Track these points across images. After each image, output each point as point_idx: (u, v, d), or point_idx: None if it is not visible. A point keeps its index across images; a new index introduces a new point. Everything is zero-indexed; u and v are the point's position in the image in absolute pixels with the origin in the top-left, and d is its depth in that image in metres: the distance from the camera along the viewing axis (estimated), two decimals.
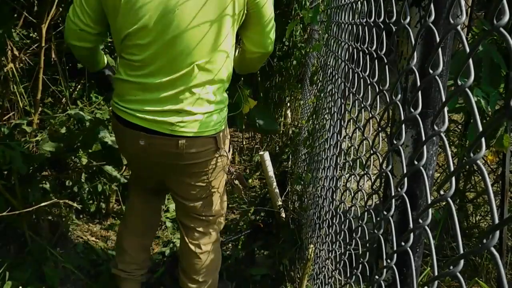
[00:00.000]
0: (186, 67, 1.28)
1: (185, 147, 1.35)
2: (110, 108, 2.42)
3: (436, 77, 0.55)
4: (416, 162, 0.59)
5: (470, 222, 2.21)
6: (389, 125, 0.75)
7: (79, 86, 2.64)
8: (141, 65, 1.30)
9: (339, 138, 1.34)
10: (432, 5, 0.57)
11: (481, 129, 0.42)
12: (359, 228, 0.91)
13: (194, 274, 1.57)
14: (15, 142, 1.79)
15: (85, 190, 2.21)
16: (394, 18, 0.71)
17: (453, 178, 0.48)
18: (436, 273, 0.51)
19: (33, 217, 1.95)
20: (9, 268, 1.77)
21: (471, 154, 0.43)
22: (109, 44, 2.66)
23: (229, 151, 1.55)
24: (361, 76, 0.98)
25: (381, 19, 0.80)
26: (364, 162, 0.92)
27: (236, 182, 1.53)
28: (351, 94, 1.10)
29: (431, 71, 0.55)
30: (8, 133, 1.84)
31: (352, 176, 1.05)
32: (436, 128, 0.53)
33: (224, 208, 1.66)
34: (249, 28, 1.40)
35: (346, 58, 1.24)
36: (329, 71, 1.64)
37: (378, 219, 0.73)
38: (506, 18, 0.40)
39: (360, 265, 0.86)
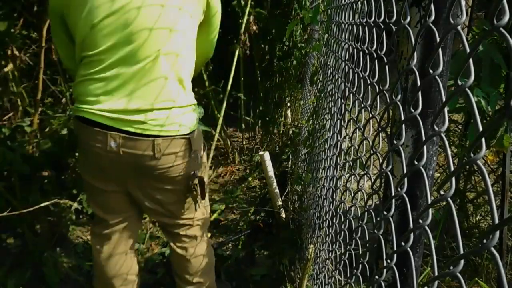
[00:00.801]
0: (148, 57, 1.21)
1: (161, 148, 1.26)
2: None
3: (436, 77, 0.55)
4: (416, 162, 0.59)
5: (470, 222, 2.21)
6: (389, 125, 0.75)
7: None
8: (101, 59, 1.22)
9: (339, 138, 1.34)
10: (432, 5, 0.57)
11: (481, 129, 0.42)
12: (359, 228, 0.91)
13: (188, 277, 1.53)
14: (16, 144, 1.79)
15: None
16: (394, 18, 0.71)
17: (453, 178, 0.48)
18: (436, 273, 0.51)
19: (33, 217, 1.95)
20: (9, 269, 1.77)
21: (471, 154, 0.43)
22: None
23: (203, 152, 1.46)
24: (361, 76, 0.98)
25: (381, 19, 0.80)
26: (364, 162, 0.92)
27: (196, 187, 1.39)
28: (351, 94, 1.10)
29: (431, 71, 0.55)
30: (9, 134, 1.84)
31: (352, 176, 1.05)
32: (436, 128, 0.53)
33: (207, 211, 1.56)
34: (198, 35, 1.37)
35: (346, 58, 1.24)
36: (329, 71, 1.64)
37: (378, 219, 0.73)
38: (506, 18, 0.40)
39: (360, 265, 0.86)
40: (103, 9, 1.18)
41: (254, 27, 3.06)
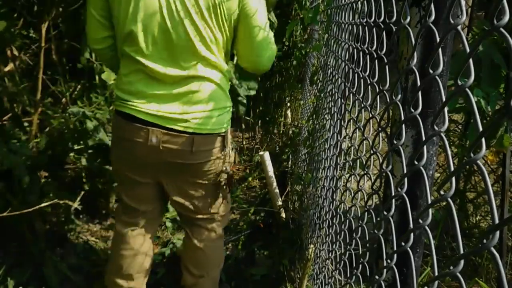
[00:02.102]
0: (192, 61, 1.30)
1: (199, 144, 1.35)
2: (111, 107, 2.43)
3: (436, 77, 0.55)
4: (416, 162, 0.59)
5: (470, 222, 2.21)
6: (389, 125, 0.75)
7: (79, 86, 2.64)
8: (148, 60, 1.31)
9: (339, 138, 1.34)
10: (432, 5, 0.57)
11: (481, 129, 0.42)
12: (359, 228, 0.91)
13: (198, 269, 1.59)
14: (16, 144, 1.79)
15: (85, 190, 2.21)
16: (394, 18, 0.71)
17: (453, 178, 0.48)
18: (436, 273, 0.51)
19: (33, 217, 1.94)
20: (9, 269, 1.77)
21: (471, 154, 0.43)
22: None
23: (231, 150, 1.56)
24: (361, 76, 0.98)
25: (381, 19, 0.80)
26: (364, 162, 0.92)
27: (225, 180, 1.50)
28: (351, 94, 1.10)
29: (431, 71, 0.55)
30: (9, 135, 1.84)
31: (352, 176, 1.05)
32: (436, 128, 0.53)
33: (229, 205, 1.65)
34: (238, 41, 1.39)
35: (346, 58, 1.24)
36: (329, 71, 1.64)
37: (378, 219, 0.73)
38: (506, 18, 0.40)
39: (360, 265, 0.86)
40: (155, 14, 1.25)
41: None
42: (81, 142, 2.15)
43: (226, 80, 1.43)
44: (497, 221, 0.40)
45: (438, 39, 0.55)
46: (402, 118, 0.67)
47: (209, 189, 1.49)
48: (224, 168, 1.47)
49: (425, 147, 0.58)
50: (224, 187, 1.50)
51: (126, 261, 1.53)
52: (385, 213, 0.70)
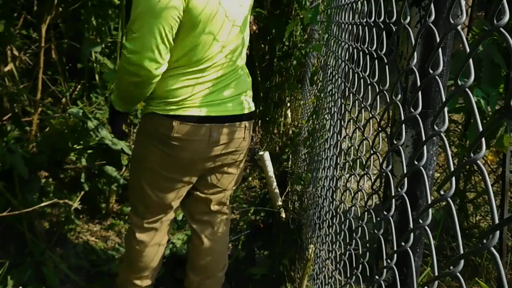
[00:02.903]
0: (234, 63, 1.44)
1: (248, 129, 1.49)
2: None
3: (436, 77, 0.55)
4: (416, 162, 0.59)
5: (470, 222, 2.21)
6: (389, 125, 0.75)
7: (79, 86, 2.65)
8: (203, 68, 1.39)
9: (339, 138, 1.34)
10: (432, 5, 0.57)
11: (481, 129, 0.42)
12: (359, 228, 0.91)
13: (203, 272, 1.62)
14: (16, 145, 1.79)
15: (85, 190, 2.21)
16: (394, 18, 0.71)
17: (453, 178, 0.48)
18: (436, 273, 0.51)
19: (33, 217, 1.95)
20: (9, 269, 1.77)
21: (471, 154, 0.43)
22: (109, 44, 2.66)
23: None
24: (361, 76, 0.98)
25: (381, 19, 0.80)
26: (364, 162, 0.92)
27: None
28: (351, 94, 1.10)
29: (431, 71, 0.55)
30: (8, 135, 1.84)
31: (352, 176, 1.05)
32: (436, 128, 0.53)
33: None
34: None
35: (346, 58, 1.24)
36: (329, 71, 1.64)
37: (378, 219, 0.73)
38: (506, 18, 0.40)
39: (360, 265, 0.86)
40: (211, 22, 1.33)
41: (254, 27, 3.06)
42: (81, 142, 2.15)
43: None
44: (497, 221, 0.40)
45: (438, 39, 0.55)
46: (402, 118, 0.67)
47: (236, 178, 1.60)
48: (251, 149, 1.57)
49: (425, 147, 0.58)
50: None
51: (146, 263, 1.57)
52: (385, 213, 0.70)
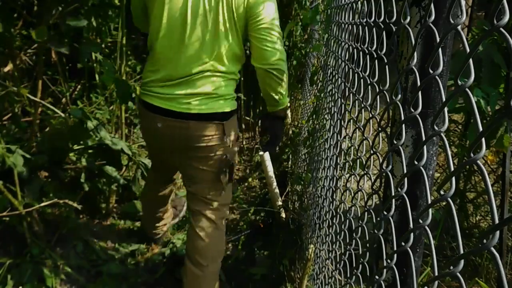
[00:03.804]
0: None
1: (197, 129, 1.52)
2: (111, 107, 2.45)
3: (436, 77, 0.55)
4: (416, 162, 0.59)
5: (470, 222, 2.21)
6: (389, 125, 0.75)
7: (79, 86, 2.65)
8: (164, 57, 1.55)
9: (339, 138, 1.34)
10: (432, 5, 0.57)
11: (481, 129, 0.42)
12: (359, 228, 0.91)
13: (197, 256, 1.66)
14: (16, 145, 1.79)
15: (84, 190, 2.21)
16: (394, 18, 0.71)
17: (453, 178, 0.48)
18: (436, 273, 0.51)
19: (33, 217, 1.95)
20: (8, 269, 1.77)
21: (471, 154, 0.43)
22: (109, 44, 2.66)
23: (236, 141, 1.64)
24: (361, 76, 0.98)
25: (381, 19, 0.80)
26: (364, 162, 0.92)
27: (226, 171, 1.61)
28: (351, 94, 1.10)
29: (431, 71, 0.55)
30: (9, 135, 1.84)
31: (352, 176, 1.05)
32: (436, 128, 0.53)
33: (228, 198, 1.74)
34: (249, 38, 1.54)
35: (346, 58, 1.24)
36: (329, 71, 1.64)
37: (378, 219, 0.73)
38: (506, 18, 0.40)
39: (360, 265, 0.86)
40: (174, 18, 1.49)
41: None
42: (81, 142, 2.15)
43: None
44: (497, 221, 0.40)
45: (438, 39, 0.55)
46: (402, 118, 0.67)
47: (209, 175, 1.62)
48: (225, 157, 1.57)
49: (425, 147, 0.58)
50: (224, 176, 1.60)
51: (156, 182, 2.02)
52: (385, 213, 0.70)
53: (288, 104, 1.54)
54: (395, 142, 0.67)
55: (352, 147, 1.08)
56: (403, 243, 0.63)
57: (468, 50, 0.45)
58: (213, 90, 1.52)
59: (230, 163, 1.60)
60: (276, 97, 1.59)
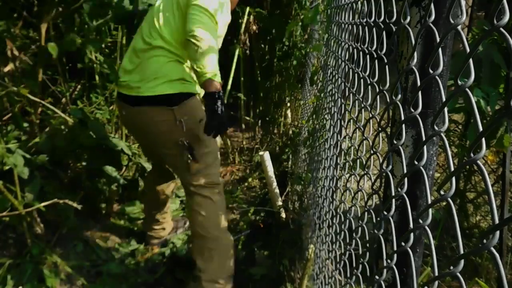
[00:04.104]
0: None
1: (145, 113, 1.65)
2: (111, 107, 2.49)
3: (436, 77, 0.55)
4: (416, 162, 0.59)
5: (470, 222, 2.21)
6: (389, 125, 0.75)
7: (79, 86, 2.65)
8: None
9: (339, 138, 1.34)
10: (432, 5, 0.57)
11: (481, 129, 0.42)
12: (359, 228, 0.91)
13: (198, 229, 1.76)
14: (16, 145, 1.79)
15: (85, 190, 2.21)
16: (394, 18, 0.71)
17: (453, 178, 0.48)
18: (436, 273, 0.51)
19: (33, 217, 1.95)
20: (8, 269, 1.77)
21: (471, 154, 0.43)
22: (109, 44, 2.66)
23: (197, 123, 1.67)
24: (361, 76, 0.97)
25: (381, 19, 0.80)
26: (364, 162, 0.92)
27: (188, 157, 1.67)
28: (351, 94, 1.10)
29: (431, 71, 0.55)
30: (8, 135, 1.84)
31: (352, 176, 1.05)
32: (436, 128, 0.53)
33: (211, 175, 1.76)
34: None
35: (346, 58, 1.24)
36: (329, 71, 1.64)
37: (378, 219, 0.73)
38: (506, 18, 0.40)
39: (360, 265, 0.86)
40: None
41: (254, 27, 3.06)
42: (81, 142, 2.15)
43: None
44: (497, 221, 0.40)
45: (438, 39, 0.55)
46: (402, 118, 0.67)
47: (173, 160, 1.76)
48: (181, 142, 1.65)
49: (425, 147, 0.58)
50: (189, 160, 1.68)
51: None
52: (385, 213, 0.70)
53: (219, 80, 1.49)
54: (395, 142, 0.67)
55: (352, 147, 1.08)
56: (403, 243, 0.63)
57: (468, 50, 0.45)
58: (160, 73, 1.62)
59: (189, 147, 1.66)
60: (196, 67, 1.51)
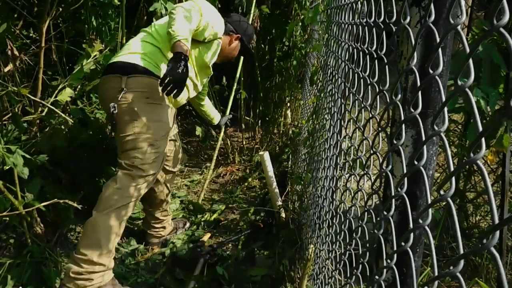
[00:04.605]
0: None
1: (103, 82, 1.79)
2: None
3: (436, 77, 0.55)
4: (416, 162, 0.59)
5: (470, 222, 2.21)
6: (389, 125, 0.75)
7: (79, 86, 2.64)
8: None
9: (339, 138, 1.34)
10: (432, 5, 0.57)
11: (481, 129, 0.42)
12: (359, 228, 0.91)
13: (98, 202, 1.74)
14: (16, 145, 1.79)
15: (85, 190, 2.20)
16: (394, 18, 0.71)
17: (453, 178, 0.48)
18: (436, 273, 0.51)
19: (33, 217, 1.95)
20: (8, 269, 1.77)
21: (471, 154, 0.43)
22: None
23: (145, 98, 1.73)
24: (361, 76, 0.98)
25: (381, 19, 0.80)
26: (364, 162, 0.92)
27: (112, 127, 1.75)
28: (351, 94, 1.10)
29: (431, 71, 0.55)
30: (8, 135, 1.84)
31: (352, 176, 1.05)
32: (436, 128, 0.53)
33: (134, 163, 1.73)
34: None
35: (346, 58, 1.24)
36: (329, 71, 1.64)
37: (378, 219, 0.73)
38: (506, 18, 0.40)
39: (360, 265, 0.86)
40: None
41: (256, 24, 3.05)
42: (81, 142, 2.15)
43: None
44: (497, 221, 0.40)
45: (438, 39, 0.55)
46: (402, 118, 0.67)
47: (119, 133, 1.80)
48: (112, 105, 1.69)
49: (425, 147, 0.58)
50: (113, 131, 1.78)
51: None
52: (385, 213, 0.70)
53: (183, 45, 1.67)
54: (395, 142, 0.67)
55: (352, 147, 1.08)
56: (403, 243, 0.63)
57: (468, 50, 0.45)
58: (135, 49, 1.77)
59: (112, 116, 1.70)
60: (170, 30, 1.69)
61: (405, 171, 0.65)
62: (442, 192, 0.50)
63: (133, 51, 1.77)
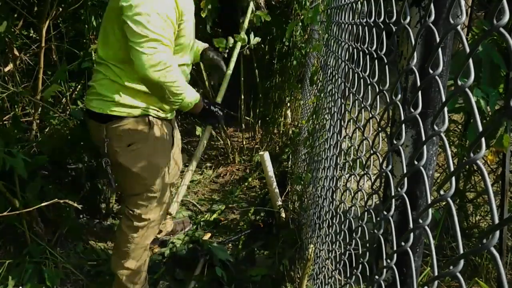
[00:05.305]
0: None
1: (91, 127, 1.67)
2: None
3: (436, 77, 0.55)
4: (416, 162, 0.59)
5: (470, 222, 2.21)
6: (389, 125, 0.75)
7: (79, 86, 2.64)
8: None
9: (339, 138, 1.34)
10: (432, 5, 0.57)
11: (481, 129, 0.42)
12: (359, 228, 0.91)
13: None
14: (16, 145, 1.79)
15: (85, 190, 2.21)
16: (394, 18, 0.71)
17: (453, 178, 0.48)
18: (436, 273, 0.51)
19: (33, 217, 1.95)
20: (8, 269, 1.77)
21: (471, 154, 0.43)
22: None
23: (127, 146, 1.63)
24: (361, 76, 0.98)
25: (381, 19, 0.80)
26: (364, 162, 0.92)
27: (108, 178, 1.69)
28: (351, 94, 1.10)
29: (431, 71, 0.55)
30: (8, 135, 1.84)
31: (352, 176, 1.05)
32: (436, 128, 0.53)
33: (138, 210, 1.73)
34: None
35: (346, 58, 1.24)
36: (329, 71, 1.64)
37: (378, 219, 0.73)
38: (506, 18, 0.40)
39: (360, 265, 0.86)
40: None
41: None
42: (81, 142, 2.15)
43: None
44: (497, 221, 0.40)
45: (438, 39, 0.55)
46: (402, 118, 0.67)
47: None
48: (104, 161, 1.65)
49: (425, 147, 0.58)
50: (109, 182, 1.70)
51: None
52: (385, 213, 0.70)
53: (194, 101, 1.67)
54: (395, 142, 0.67)
55: (352, 147, 1.08)
56: (403, 243, 0.63)
57: (468, 50, 0.45)
58: (95, 88, 1.61)
59: (106, 171, 1.64)
60: (173, 105, 1.67)
61: (405, 171, 0.65)
62: (442, 192, 0.50)
63: (100, 95, 1.60)
